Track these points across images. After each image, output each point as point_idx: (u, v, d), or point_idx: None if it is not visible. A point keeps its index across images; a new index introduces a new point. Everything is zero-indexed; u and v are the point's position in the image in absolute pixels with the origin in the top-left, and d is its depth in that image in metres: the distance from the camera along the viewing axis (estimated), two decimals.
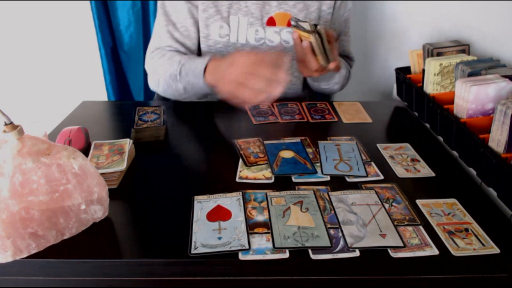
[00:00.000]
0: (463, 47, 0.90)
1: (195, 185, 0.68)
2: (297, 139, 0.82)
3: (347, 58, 1.12)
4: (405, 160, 0.75)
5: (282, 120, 0.92)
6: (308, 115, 0.95)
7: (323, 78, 0.99)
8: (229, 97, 0.74)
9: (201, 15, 0.98)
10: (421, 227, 0.58)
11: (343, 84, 1.07)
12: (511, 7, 0.80)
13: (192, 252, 0.53)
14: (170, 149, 0.81)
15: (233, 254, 0.53)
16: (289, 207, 0.61)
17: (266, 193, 0.64)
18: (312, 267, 0.53)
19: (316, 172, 0.71)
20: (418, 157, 0.76)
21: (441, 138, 0.83)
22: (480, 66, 0.77)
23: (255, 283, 0.54)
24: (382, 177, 0.70)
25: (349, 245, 0.54)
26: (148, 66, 1.00)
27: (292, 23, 0.86)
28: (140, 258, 0.53)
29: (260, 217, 0.59)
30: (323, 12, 1.03)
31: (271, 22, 1.01)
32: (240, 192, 0.64)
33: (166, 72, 0.92)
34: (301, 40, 0.83)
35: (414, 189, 0.67)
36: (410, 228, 0.57)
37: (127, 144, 0.75)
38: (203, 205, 0.62)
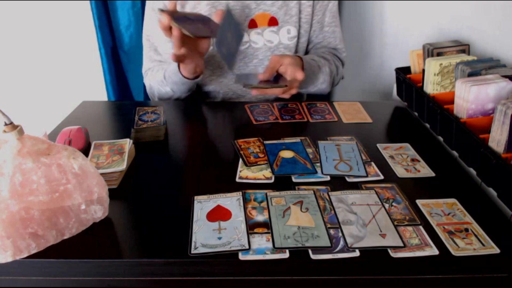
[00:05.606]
0: (463, 47, 0.90)
1: (195, 185, 0.68)
2: (297, 139, 0.82)
3: (334, 50, 1.11)
4: (405, 160, 0.75)
5: (282, 120, 0.92)
6: (308, 115, 0.95)
7: (307, 82, 0.99)
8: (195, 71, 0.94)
9: None
10: (421, 227, 0.58)
11: (331, 81, 1.06)
12: (511, 7, 0.80)
13: (192, 252, 0.53)
14: (170, 149, 0.81)
15: (233, 254, 0.53)
16: (289, 207, 0.61)
17: (266, 193, 0.64)
18: (312, 267, 0.53)
19: (316, 172, 0.71)
20: (418, 157, 0.76)
21: (441, 138, 0.82)
22: (480, 66, 0.77)
23: (255, 283, 0.54)
24: (382, 177, 0.70)
25: (349, 245, 0.54)
26: (145, 84, 1.11)
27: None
28: (140, 258, 0.53)
29: (260, 217, 0.59)
30: (303, 5, 1.03)
31: (252, 24, 1.01)
32: (240, 192, 0.64)
33: (156, 82, 1.04)
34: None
35: (414, 189, 0.67)
36: (410, 228, 0.57)
37: (127, 144, 0.75)
38: (203, 205, 0.62)
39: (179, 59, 0.88)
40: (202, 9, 1.00)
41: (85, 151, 0.76)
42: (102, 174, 0.61)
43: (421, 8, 1.14)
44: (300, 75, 0.87)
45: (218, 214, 0.60)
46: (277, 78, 0.93)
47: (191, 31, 0.82)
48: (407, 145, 0.81)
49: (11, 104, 1.62)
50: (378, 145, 0.81)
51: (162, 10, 0.81)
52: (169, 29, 0.82)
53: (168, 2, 1.00)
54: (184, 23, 0.82)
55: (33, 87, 1.72)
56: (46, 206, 0.51)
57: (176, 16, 0.82)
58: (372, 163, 0.74)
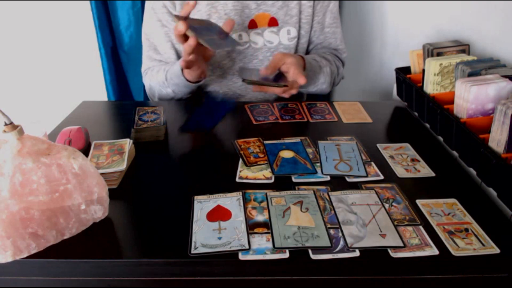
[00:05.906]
0: (463, 47, 0.90)
1: (195, 185, 0.68)
2: (297, 139, 0.82)
3: (335, 51, 1.11)
4: (405, 160, 0.75)
5: (282, 120, 0.92)
6: (308, 115, 0.95)
7: (308, 82, 0.99)
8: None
9: None
10: (421, 227, 0.58)
11: (332, 82, 1.06)
12: (511, 7, 0.80)
13: (192, 252, 0.53)
14: (170, 149, 0.81)
15: (233, 254, 0.53)
16: (289, 207, 0.61)
17: (266, 193, 0.64)
18: (312, 267, 0.53)
19: (316, 172, 0.71)
20: (418, 157, 0.76)
21: (441, 138, 0.82)
22: (480, 66, 0.77)
23: (255, 283, 0.54)
24: (382, 177, 0.70)
25: (349, 245, 0.54)
26: (145, 83, 1.10)
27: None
28: (140, 258, 0.53)
29: (260, 217, 0.59)
30: (303, 6, 1.03)
31: (252, 24, 1.01)
32: (240, 192, 0.64)
33: (157, 83, 1.02)
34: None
35: (414, 189, 0.67)
36: (410, 228, 0.57)
37: (127, 144, 0.75)
38: (203, 205, 0.62)
39: (188, 65, 0.86)
40: (202, 9, 1.00)
41: (85, 151, 0.76)
42: (102, 174, 0.61)
43: (421, 8, 1.14)
44: (302, 80, 0.87)
45: (218, 214, 0.60)
46: (278, 77, 0.93)
47: (210, 44, 0.80)
48: (407, 145, 0.81)
49: (11, 104, 1.62)
50: (378, 145, 0.81)
51: (177, 16, 0.79)
52: (183, 36, 0.80)
53: (168, 2, 1.00)
54: (201, 33, 0.80)
55: (33, 87, 1.72)
56: (46, 206, 0.51)
57: (193, 26, 0.80)
58: (372, 163, 0.74)
